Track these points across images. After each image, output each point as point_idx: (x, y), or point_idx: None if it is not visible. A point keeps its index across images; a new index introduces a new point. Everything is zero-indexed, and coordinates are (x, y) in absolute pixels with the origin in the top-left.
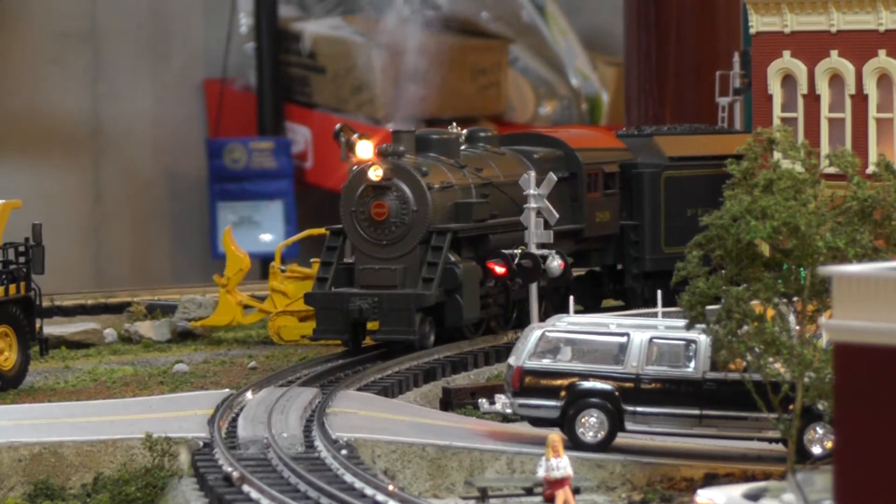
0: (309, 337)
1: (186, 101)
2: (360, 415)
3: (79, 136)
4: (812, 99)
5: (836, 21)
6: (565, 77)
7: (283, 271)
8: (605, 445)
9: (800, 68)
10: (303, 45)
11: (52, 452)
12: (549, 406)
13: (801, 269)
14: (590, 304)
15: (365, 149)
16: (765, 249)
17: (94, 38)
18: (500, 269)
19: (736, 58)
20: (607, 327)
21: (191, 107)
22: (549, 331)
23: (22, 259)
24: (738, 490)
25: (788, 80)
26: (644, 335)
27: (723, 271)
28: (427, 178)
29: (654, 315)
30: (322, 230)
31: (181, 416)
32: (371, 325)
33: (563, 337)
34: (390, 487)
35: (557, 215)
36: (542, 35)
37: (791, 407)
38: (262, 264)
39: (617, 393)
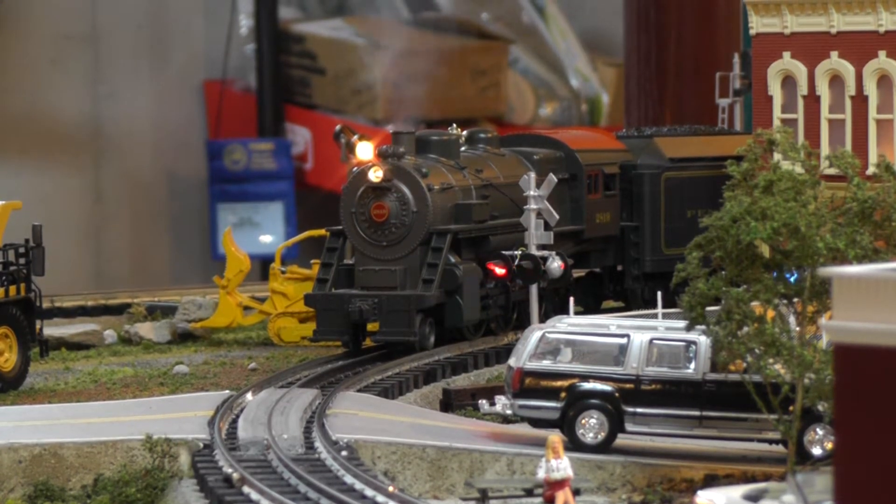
0: (309, 338)
1: (186, 102)
2: (360, 416)
3: (79, 138)
4: (812, 100)
5: (835, 22)
6: (565, 78)
7: (283, 272)
8: (605, 447)
9: (800, 69)
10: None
11: (52, 454)
12: (550, 407)
13: (801, 269)
14: (590, 306)
15: (365, 150)
16: (765, 250)
17: (95, 40)
18: (500, 271)
19: (736, 59)
20: (607, 328)
21: (191, 108)
22: (549, 332)
23: (22, 260)
24: (738, 491)
25: (788, 81)
26: (644, 336)
27: (723, 272)
28: (427, 179)
29: (654, 316)
30: (322, 231)
31: (181, 417)
32: (371, 327)
33: (563, 338)
34: (391, 489)
35: (557, 216)
36: (542, 36)
37: (791, 408)
38: (262, 265)
39: (617, 394)
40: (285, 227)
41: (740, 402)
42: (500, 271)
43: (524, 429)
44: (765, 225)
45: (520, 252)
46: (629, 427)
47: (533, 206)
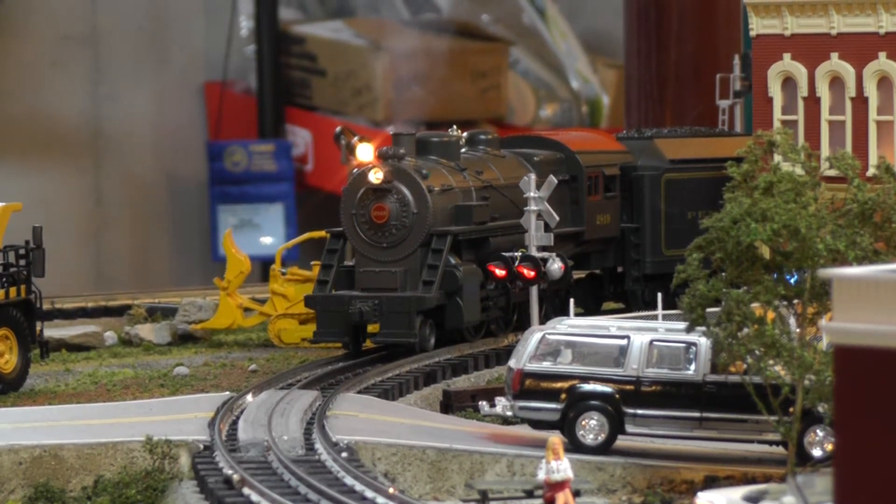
0: (309, 340)
1: (187, 103)
2: (360, 417)
3: (79, 139)
4: (812, 101)
5: (836, 23)
6: (566, 80)
7: (283, 274)
8: (605, 448)
9: (800, 71)
10: None
11: (52, 455)
12: (550, 408)
13: (802, 271)
14: (590, 307)
15: (365, 151)
16: (765, 252)
17: (95, 41)
18: (500, 272)
19: (736, 60)
20: (608, 330)
21: (191, 110)
22: (549, 333)
23: (22, 262)
24: (738, 492)
25: (789, 82)
26: (644, 338)
27: (723, 274)
28: (427, 180)
29: (655, 318)
30: (322, 233)
31: (182, 418)
32: (371, 328)
33: (563, 339)
34: (391, 490)
35: (558, 218)
36: (542, 38)
37: (791, 409)
38: (262, 267)
39: (617, 395)
40: (286, 229)
41: (740, 403)
42: (500, 273)
43: (524, 430)
44: (765, 226)
45: (520, 253)
46: (629, 428)
47: (533, 207)
